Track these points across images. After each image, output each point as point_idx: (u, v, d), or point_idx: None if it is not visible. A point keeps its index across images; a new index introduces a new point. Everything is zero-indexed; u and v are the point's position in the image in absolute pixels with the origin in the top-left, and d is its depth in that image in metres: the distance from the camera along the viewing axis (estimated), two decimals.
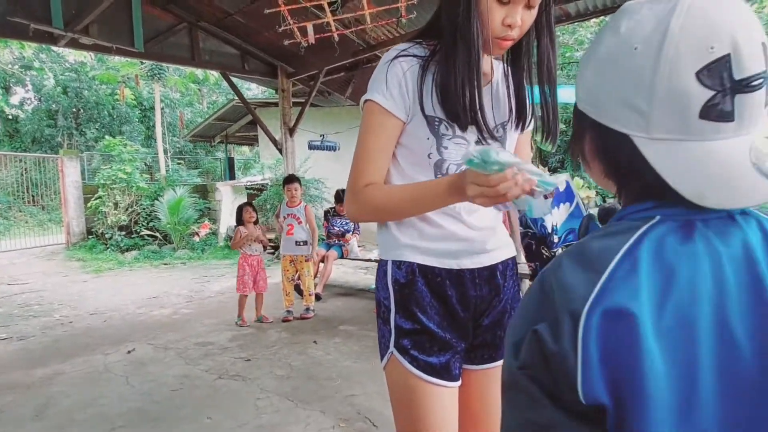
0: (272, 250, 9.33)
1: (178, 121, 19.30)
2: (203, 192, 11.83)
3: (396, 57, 1.04)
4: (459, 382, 1.12)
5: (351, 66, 6.91)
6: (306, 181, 9.28)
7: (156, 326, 4.72)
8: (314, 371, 3.39)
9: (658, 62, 0.47)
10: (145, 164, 17.28)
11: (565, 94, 10.84)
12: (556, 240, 0.84)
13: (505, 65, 1.13)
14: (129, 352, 3.94)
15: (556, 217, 0.79)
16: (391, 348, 1.09)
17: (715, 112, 0.47)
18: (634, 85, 0.49)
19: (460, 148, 1.07)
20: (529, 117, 1.12)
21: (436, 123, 1.05)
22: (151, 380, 3.33)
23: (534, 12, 0.99)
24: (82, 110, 19.47)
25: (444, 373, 1.08)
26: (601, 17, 6.15)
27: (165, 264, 9.08)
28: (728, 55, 0.46)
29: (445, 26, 1.02)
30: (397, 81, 1.03)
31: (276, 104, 7.55)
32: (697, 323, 0.44)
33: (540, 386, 0.48)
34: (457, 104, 1.00)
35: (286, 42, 4.41)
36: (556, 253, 0.94)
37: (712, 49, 0.46)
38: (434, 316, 1.10)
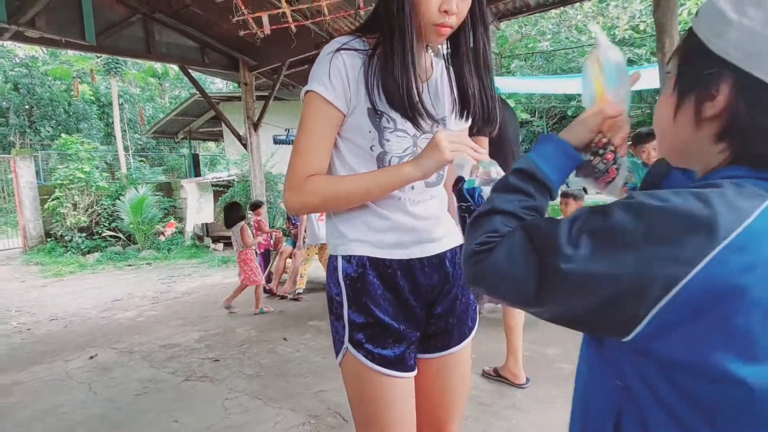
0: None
1: (138, 117, 18.66)
2: (168, 190, 11.52)
3: (338, 50, 1.04)
4: (414, 372, 1.13)
5: (315, 58, 6.80)
6: (273, 176, 9.16)
7: (120, 330, 4.59)
8: (284, 369, 3.36)
9: None
10: (106, 162, 16.69)
11: (533, 85, 10.98)
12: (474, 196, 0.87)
13: (446, 60, 1.14)
14: (91, 357, 3.81)
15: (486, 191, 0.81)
16: (346, 343, 1.10)
17: None
18: None
19: (401, 141, 1.08)
20: (473, 106, 1.13)
21: (378, 116, 1.06)
22: (115, 385, 3.24)
23: (469, 0, 1.01)
24: (35, 107, 18.61)
25: (399, 364, 1.09)
26: (561, 8, 6.24)
27: (129, 265, 8.82)
28: None
29: (382, 18, 1.03)
30: (338, 73, 1.02)
31: (240, 98, 7.38)
32: None
33: None
34: (395, 95, 1.01)
35: (242, 33, 4.31)
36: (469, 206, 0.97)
37: None
38: (387, 308, 1.10)
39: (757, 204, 0.47)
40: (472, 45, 1.09)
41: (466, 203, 1.08)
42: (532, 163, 0.65)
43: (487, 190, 1.01)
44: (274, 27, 4.06)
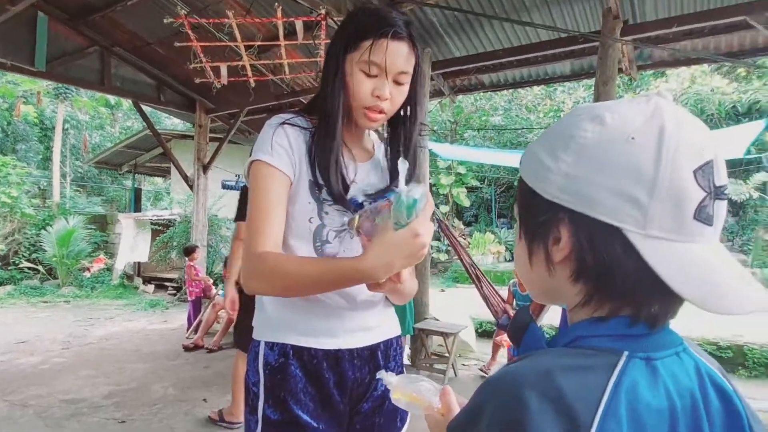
0: (174, 292, 8.68)
1: (82, 144, 17.86)
2: (102, 223, 10.88)
3: (281, 123, 1.04)
4: None
5: (274, 108, 6.86)
6: (218, 219, 8.88)
7: (18, 378, 4.11)
8: None
9: (660, 155, 0.46)
10: (39, 188, 15.69)
11: (483, 155, 11.51)
12: (363, 202, 0.85)
13: (386, 146, 1.14)
14: None
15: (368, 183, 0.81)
16: None
17: (704, 214, 0.47)
18: (633, 176, 0.47)
19: (339, 215, 1.05)
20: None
21: (318, 188, 1.04)
22: None
23: (404, 89, 1.04)
24: None
25: None
26: (512, 89, 6.71)
27: (45, 302, 8.09)
28: (712, 161, 0.47)
29: (319, 102, 1.06)
30: (280, 144, 1.02)
31: (193, 137, 7.23)
32: None
33: None
34: (323, 174, 1.02)
35: (198, 80, 4.27)
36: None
37: (703, 151, 0.47)
38: (308, 403, 1.02)
39: (605, 378, 0.46)
40: (404, 139, 1.11)
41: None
42: None
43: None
44: (232, 79, 4.06)
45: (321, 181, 1.02)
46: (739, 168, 10.42)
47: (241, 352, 3.05)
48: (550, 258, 0.53)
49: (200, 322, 5.51)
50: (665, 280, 0.46)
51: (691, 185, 0.46)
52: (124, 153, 12.03)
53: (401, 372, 1.17)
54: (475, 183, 14.77)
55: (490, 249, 13.02)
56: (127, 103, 16.55)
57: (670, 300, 0.50)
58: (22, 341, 5.40)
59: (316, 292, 0.98)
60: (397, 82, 1.02)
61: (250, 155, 1.05)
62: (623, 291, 0.50)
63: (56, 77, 6.04)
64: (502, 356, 4.59)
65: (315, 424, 1.02)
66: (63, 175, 16.25)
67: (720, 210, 0.48)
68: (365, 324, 1.08)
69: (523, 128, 14.30)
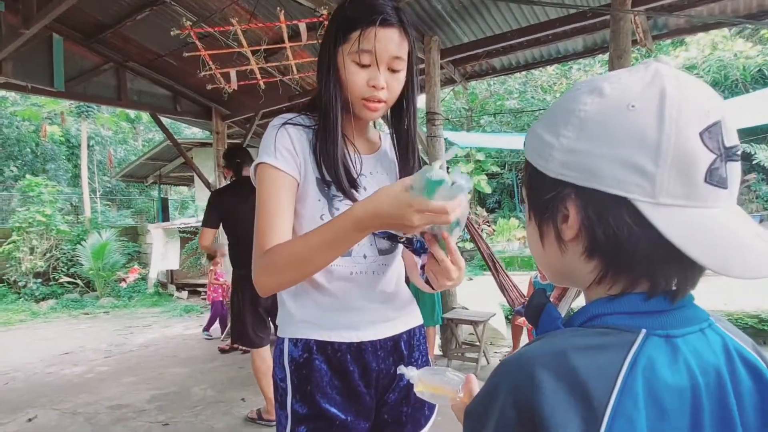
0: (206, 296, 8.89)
1: (108, 160, 18.38)
2: (133, 234, 11.21)
3: (284, 124, 1.05)
4: None
5: (288, 109, 6.89)
6: None
7: (65, 387, 4.30)
8: None
9: (662, 120, 0.45)
10: (71, 205, 16.23)
11: (501, 141, 11.36)
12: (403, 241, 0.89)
13: (392, 136, 1.14)
14: (30, 420, 3.54)
15: None
16: None
17: (717, 177, 0.45)
18: (637, 145, 0.46)
19: None
20: (411, 161, 1.14)
21: (326, 185, 1.04)
22: None
23: (400, 76, 1.03)
24: (0, 147, 18.14)
25: None
26: (524, 71, 6.61)
27: (86, 314, 8.41)
28: (720, 121, 0.46)
29: (317, 98, 1.06)
30: (284, 145, 1.02)
31: (212, 144, 7.37)
32: None
33: None
34: (329, 169, 1.02)
35: (209, 87, 4.35)
36: (399, 238, 1.01)
37: (709, 112, 0.46)
38: (335, 397, 1.04)
39: (621, 357, 0.45)
40: (404, 128, 1.11)
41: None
42: None
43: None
44: (242, 83, 4.12)
45: (328, 178, 1.03)
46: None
47: (255, 350, 3.13)
48: (561, 237, 0.52)
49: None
50: (680, 247, 0.44)
51: (699, 148, 0.45)
52: (148, 165, 12.33)
53: (426, 361, 1.18)
54: (495, 169, 14.62)
55: (515, 235, 12.88)
56: (146, 116, 16.95)
57: (688, 270, 0.48)
58: (66, 353, 5.64)
59: (328, 259, 0.91)
60: (392, 69, 1.01)
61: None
62: (638, 264, 0.48)
63: (76, 96, 6.22)
64: (524, 341, 4.56)
65: (343, 416, 1.04)
66: (93, 191, 16.78)
67: (733, 172, 0.47)
68: (386, 316, 1.10)
69: (540, 110, 14.05)
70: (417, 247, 0.99)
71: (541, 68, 13.07)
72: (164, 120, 7.46)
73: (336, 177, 1.02)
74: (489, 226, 13.15)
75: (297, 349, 1.05)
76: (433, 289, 1.03)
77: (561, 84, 14.37)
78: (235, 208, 3.07)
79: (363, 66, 0.99)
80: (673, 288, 0.49)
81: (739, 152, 0.48)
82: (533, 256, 0.61)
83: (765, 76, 11.05)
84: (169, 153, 11.24)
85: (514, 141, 10.94)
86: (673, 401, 0.44)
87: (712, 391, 0.46)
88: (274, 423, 3.15)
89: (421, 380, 0.83)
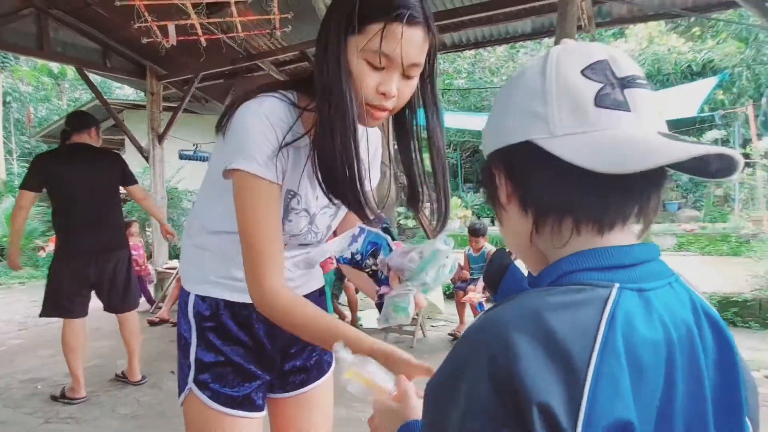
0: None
1: (26, 118, 16.82)
2: None
3: (267, 116, 0.89)
4: (263, 413, 1.10)
5: (231, 73, 6.57)
6: (178, 192, 8.61)
7: None
8: (166, 407, 3.04)
9: (544, 69, 0.52)
10: None
11: (448, 119, 11.50)
12: (359, 258, 0.83)
13: (389, 140, 1.07)
14: None
15: (339, 245, 0.79)
16: (190, 383, 1.04)
17: (609, 100, 0.49)
18: (528, 95, 0.52)
19: (300, 221, 1.03)
20: (422, 197, 1.02)
21: (290, 196, 0.99)
22: None
23: (413, 83, 0.88)
24: None
25: (246, 404, 1.05)
26: (474, 50, 6.64)
27: None
28: (606, 60, 0.51)
29: (317, 89, 0.87)
30: (270, 145, 0.88)
31: (146, 106, 6.88)
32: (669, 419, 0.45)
33: None
34: (339, 187, 0.88)
35: (145, 40, 4.02)
36: (365, 266, 1.01)
37: (591, 55, 0.51)
38: (239, 348, 1.06)
39: (597, 312, 0.44)
40: (422, 131, 0.98)
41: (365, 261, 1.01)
42: None
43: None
44: (180, 38, 3.84)
45: (298, 190, 0.97)
46: (693, 126, 10.76)
47: (67, 321, 3.15)
48: (500, 202, 0.56)
49: (165, 296, 5.40)
50: (576, 163, 0.46)
51: (581, 82, 0.50)
52: None
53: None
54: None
55: (457, 214, 13.16)
56: (72, 72, 15.60)
57: (630, 198, 0.51)
58: None
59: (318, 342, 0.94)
60: (407, 76, 0.86)
61: (225, 141, 0.92)
62: (563, 202, 0.51)
63: None
64: (469, 316, 4.70)
65: (246, 365, 1.06)
66: (9, 152, 15.36)
67: (639, 97, 0.49)
68: (294, 284, 1.11)
69: (487, 89, 14.29)
70: (381, 279, 0.98)
71: (490, 49, 13.24)
72: (93, 78, 6.87)
73: (354, 199, 0.87)
74: (431, 204, 13.35)
75: (204, 304, 1.06)
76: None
77: (508, 66, 14.63)
78: (62, 175, 3.00)
79: (376, 68, 0.84)
80: (602, 217, 0.51)
81: (639, 80, 0.50)
82: (507, 242, 0.61)
83: (693, 71, 11.78)
84: (97, 114, 10.35)
85: (460, 120, 11.09)
86: (650, 357, 0.44)
87: (684, 345, 0.47)
88: (78, 401, 3.12)
89: (353, 366, 0.75)
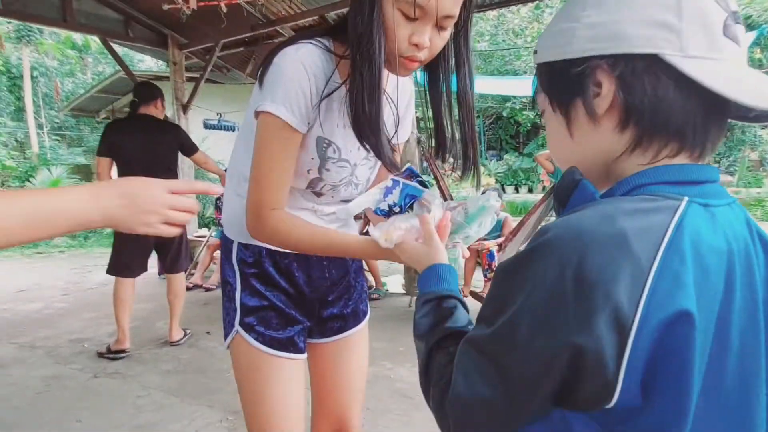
0: None
1: (54, 92, 17.14)
2: (86, 173, 10.72)
3: (303, 62, 0.92)
4: (304, 355, 1.16)
5: (251, 41, 6.54)
6: None
7: (23, 323, 4.20)
8: (204, 364, 3.21)
9: None
10: (16, 140, 15.23)
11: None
12: (398, 210, 0.86)
13: (423, 93, 1.05)
14: None
15: (374, 196, 0.82)
16: (236, 326, 1.10)
17: (731, 32, 0.49)
18: (660, 3, 0.49)
19: (341, 171, 1.06)
20: (449, 149, 1.06)
21: (325, 145, 1.01)
22: (12, 383, 2.95)
23: (446, 35, 0.90)
24: None
25: (289, 345, 1.11)
26: (498, 10, 6.43)
27: (39, 253, 8.11)
28: None
29: (350, 35, 0.89)
30: (302, 93, 0.92)
31: (169, 78, 6.94)
32: (724, 324, 0.47)
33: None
34: (364, 133, 0.91)
35: (166, 7, 4.03)
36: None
37: None
38: (280, 294, 1.12)
39: (667, 219, 0.47)
40: (453, 87, 1.01)
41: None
42: (433, 293, 0.72)
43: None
44: (201, 3, 3.84)
45: (332, 138, 1.00)
46: None
47: (120, 279, 3.33)
48: (594, 112, 0.53)
49: (197, 263, 5.58)
50: (720, 91, 0.46)
51: (713, 6, 0.49)
52: (100, 98, 11.57)
53: (361, 263, 1.32)
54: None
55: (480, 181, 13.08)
56: (95, 45, 15.74)
57: (715, 127, 0.52)
58: (22, 290, 5.47)
59: (320, 254, 1.11)
60: (441, 27, 0.88)
61: (261, 87, 0.94)
62: (670, 124, 0.51)
63: (13, 14, 5.65)
64: (477, 280, 4.64)
65: (288, 310, 1.12)
66: (39, 126, 15.76)
67: (742, 34, 0.50)
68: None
69: (511, 49, 13.84)
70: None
71: (514, 9, 12.77)
72: (117, 49, 6.94)
73: (375, 144, 0.91)
74: (454, 172, 13.24)
75: (246, 252, 1.11)
76: None
77: (533, 28, 14.16)
78: (124, 143, 3.23)
79: (410, 19, 0.85)
80: (701, 144, 0.53)
81: (740, 18, 0.51)
82: (556, 156, 0.63)
83: None
84: (122, 86, 10.55)
85: (484, 85, 10.84)
86: (713, 262, 0.47)
87: (742, 257, 0.50)
88: (123, 355, 3.31)
89: (383, 229, 0.89)
